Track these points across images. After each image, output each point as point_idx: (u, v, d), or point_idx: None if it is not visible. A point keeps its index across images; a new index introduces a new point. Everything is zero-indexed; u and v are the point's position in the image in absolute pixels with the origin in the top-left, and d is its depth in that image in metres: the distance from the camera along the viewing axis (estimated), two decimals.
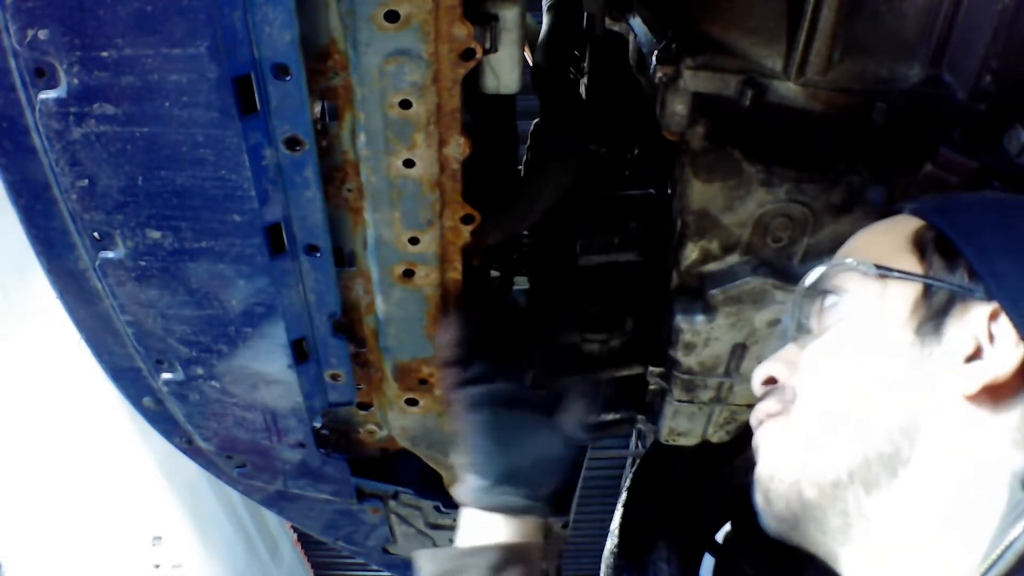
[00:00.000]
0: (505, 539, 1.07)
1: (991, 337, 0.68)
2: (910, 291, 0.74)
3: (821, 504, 0.73)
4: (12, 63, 0.87)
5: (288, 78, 0.88)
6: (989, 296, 0.69)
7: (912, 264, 0.75)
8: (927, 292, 0.73)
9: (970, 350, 0.68)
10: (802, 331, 0.81)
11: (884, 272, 0.75)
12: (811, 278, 0.81)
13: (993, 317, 0.68)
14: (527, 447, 1.10)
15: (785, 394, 0.79)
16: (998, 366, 0.66)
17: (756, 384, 0.84)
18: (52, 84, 0.87)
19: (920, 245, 0.76)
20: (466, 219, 1.08)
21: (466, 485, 1.12)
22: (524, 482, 1.09)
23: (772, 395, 0.81)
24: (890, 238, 0.79)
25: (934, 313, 0.71)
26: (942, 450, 0.68)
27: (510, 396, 1.12)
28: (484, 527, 1.09)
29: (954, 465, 0.67)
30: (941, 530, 0.66)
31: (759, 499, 0.78)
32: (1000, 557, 0.57)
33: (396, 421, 1.38)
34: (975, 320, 0.69)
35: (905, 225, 0.79)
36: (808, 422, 0.76)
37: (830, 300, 0.79)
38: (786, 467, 0.76)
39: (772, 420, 0.80)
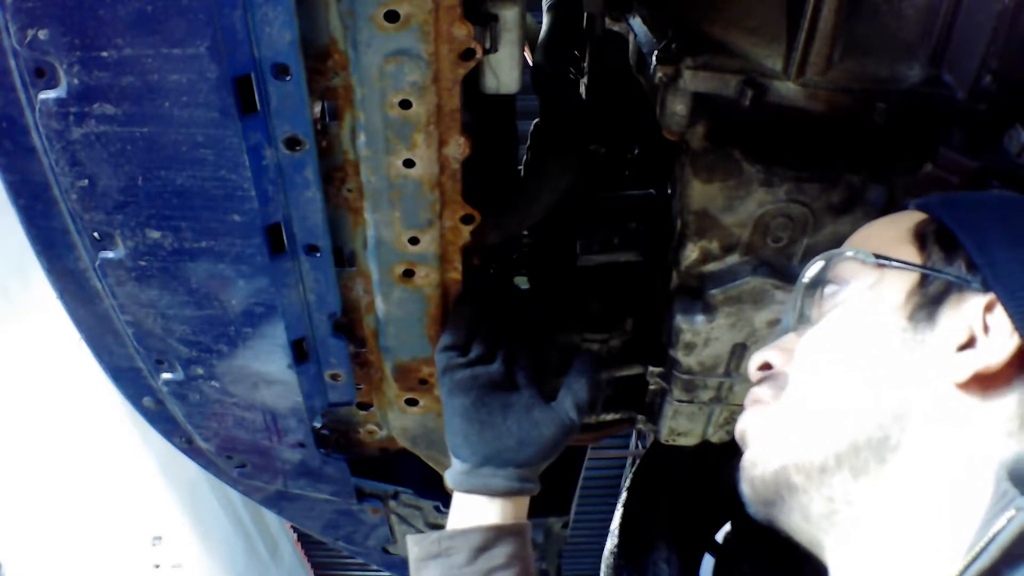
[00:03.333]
0: (491, 521, 1.08)
1: (986, 327, 0.68)
2: (907, 280, 0.74)
3: (807, 489, 0.72)
4: (12, 63, 0.87)
5: (288, 78, 0.88)
6: (986, 287, 0.69)
7: (911, 255, 0.75)
8: (923, 281, 0.73)
9: (963, 339, 0.68)
10: (802, 321, 0.81)
11: (882, 261, 0.76)
12: (813, 269, 0.81)
13: (989, 308, 0.68)
14: (509, 428, 1.10)
15: (778, 381, 0.79)
16: (991, 355, 0.66)
17: (752, 370, 0.84)
18: (52, 84, 0.87)
19: (920, 237, 0.76)
20: (466, 219, 1.08)
21: (451, 469, 1.13)
22: (506, 463, 1.09)
23: (766, 382, 0.81)
24: (892, 230, 0.80)
25: (929, 301, 0.72)
26: (932, 438, 0.68)
27: (493, 378, 1.11)
28: (470, 510, 1.10)
29: (944, 453, 0.67)
30: (928, 518, 0.66)
31: (745, 486, 0.78)
32: (984, 549, 0.56)
33: (396, 421, 1.38)
34: (970, 310, 0.69)
35: (908, 219, 0.80)
36: (798, 406, 0.76)
37: (830, 290, 0.80)
38: (773, 452, 0.76)
39: (759, 406, 0.80)
